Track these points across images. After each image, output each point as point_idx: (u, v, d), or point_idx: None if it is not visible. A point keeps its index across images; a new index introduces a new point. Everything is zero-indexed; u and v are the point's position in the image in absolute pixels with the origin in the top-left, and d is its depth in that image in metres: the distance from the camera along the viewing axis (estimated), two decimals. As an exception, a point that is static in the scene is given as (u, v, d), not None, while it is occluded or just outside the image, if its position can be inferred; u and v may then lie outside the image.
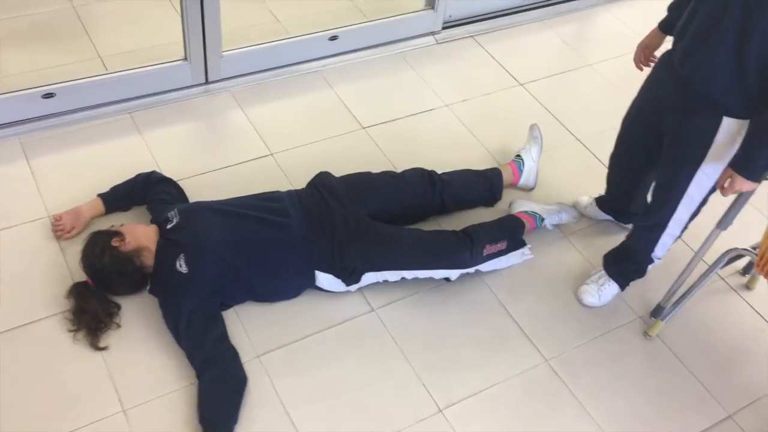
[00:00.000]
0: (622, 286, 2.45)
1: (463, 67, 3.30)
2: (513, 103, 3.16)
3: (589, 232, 2.68)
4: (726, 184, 1.94)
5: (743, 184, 1.91)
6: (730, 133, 1.92)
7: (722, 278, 2.60)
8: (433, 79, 3.21)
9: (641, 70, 2.27)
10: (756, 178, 1.90)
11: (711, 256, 2.31)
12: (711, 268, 2.31)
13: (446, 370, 2.22)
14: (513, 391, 2.19)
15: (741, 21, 1.74)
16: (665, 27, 2.16)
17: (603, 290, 2.43)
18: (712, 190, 2.07)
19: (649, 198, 2.44)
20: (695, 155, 2.00)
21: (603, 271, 2.46)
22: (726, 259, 2.31)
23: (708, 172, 2.02)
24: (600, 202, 2.64)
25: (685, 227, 2.23)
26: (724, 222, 2.15)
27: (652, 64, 2.19)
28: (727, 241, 2.27)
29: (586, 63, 3.38)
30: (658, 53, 2.16)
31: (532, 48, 3.47)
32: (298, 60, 3.14)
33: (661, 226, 2.23)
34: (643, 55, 2.24)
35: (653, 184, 2.28)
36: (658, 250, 2.31)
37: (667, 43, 2.14)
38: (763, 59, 1.76)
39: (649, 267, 2.40)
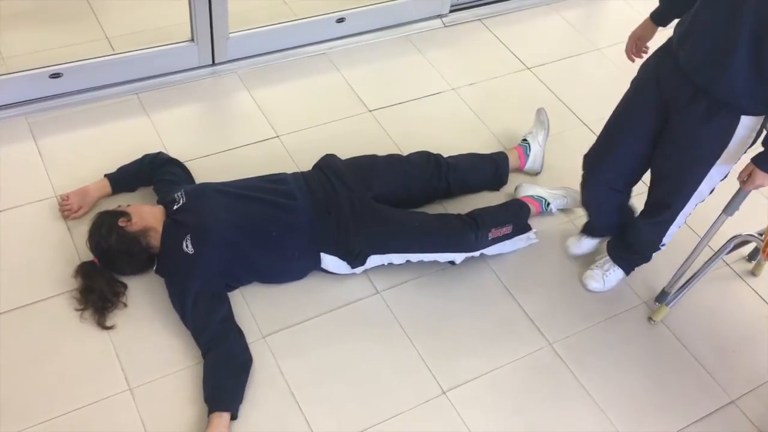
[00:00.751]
0: (627, 271, 2.45)
1: (470, 50, 3.29)
2: (520, 87, 3.15)
3: (595, 217, 2.67)
4: (746, 178, 1.95)
5: (765, 179, 1.92)
6: (747, 129, 1.91)
7: (728, 264, 2.59)
8: (440, 62, 3.20)
9: (633, 61, 2.21)
10: None
11: (716, 241, 2.31)
12: (716, 254, 2.31)
13: (450, 352, 2.23)
14: (516, 375, 2.20)
15: (755, 28, 1.70)
16: (657, 18, 2.09)
17: (608, 275, 2.43)
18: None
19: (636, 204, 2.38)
20: (710, 156, 1.98)
21: (607, 257, 2.45)
22: (732, 245, 2.31)
23: (721, 170, 2.02)
24: (589, 228, 2.51)
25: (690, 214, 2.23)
26: (730, 208, 2.15)
27: (645, 56, 2.13)
28: (732, 227, 2.26)
29: (594, 47, 3.36)
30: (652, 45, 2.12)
31: (540, 32, 3.45)
32: (304, 42, 3.13)
33: (669, 221, 2.22)
34: (635, 47, 2.18)
35: (654, 191, 2.21)
36: (665, 239, 2.31)
37: (660, 34, 2.11)
38: None
39: (655, 253, 2.40)
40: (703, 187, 2.07)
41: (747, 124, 1.90)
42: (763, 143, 1.89)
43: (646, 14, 2.13)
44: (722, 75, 1.82)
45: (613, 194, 2.29)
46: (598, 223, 2.46)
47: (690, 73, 1.90)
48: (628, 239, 2.39)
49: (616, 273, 2.44)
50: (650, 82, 2.04)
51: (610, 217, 2.39)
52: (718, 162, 1.99)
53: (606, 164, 2.24)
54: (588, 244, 2.52)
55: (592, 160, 2.29)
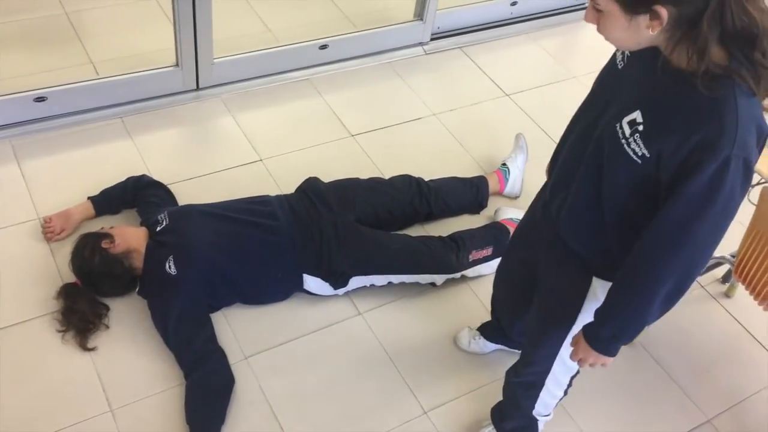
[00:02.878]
0: None
1: (451, 77, 3.36)
2: (499, 113, 3.21)
3: (573, 239, 2.72)
4: (580, 358, 1.56)
5: (599, 357, 1.52)
6: (600, 298, 1.54)
7: (702, 286, 2.65)
8: (422, 88, 3.26)
9: None
10: (608, 351, 1.51)
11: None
12: (691, 276, 2.36)
13: (431, 373, 2.26)
14: (498, 394, 2.22)
15: (596, 162, 1.42)
16: None
17: None
18: None
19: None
20: (565, 318, 1.63)
21: (492, 427, 2.08)
22: (705, 266, 2.36)
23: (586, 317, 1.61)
24: (486, 330, 2.26)
25: (570, 385, 1.88)
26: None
27: None
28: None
29: (571, 75, 3.44)
30: None
31: (519, 60, 3.53)
32: (288, 68, 3.18)
33: (537, 386, 1.84)
34: None
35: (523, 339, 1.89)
36: (540, 408, 1.92)
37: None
38: (617, 210, 1.43)
39: (540, 424, 2.00)
40: (565, 353, 1.68)
41: (599, 292, 1.55)
42: (595, 315, 1.51)
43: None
44: (567, 209, 1.53)
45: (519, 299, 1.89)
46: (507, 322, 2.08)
47: (548, 200, 1.62)
48: (502, 403, 2.04)
49: None
50: (532, 213, 1.77)
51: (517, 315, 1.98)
52: (576, 328, 1.61)
53: (504, 275, 1.98)
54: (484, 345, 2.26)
55: (499, 266, 2.01)
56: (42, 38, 3.15)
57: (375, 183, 2.58)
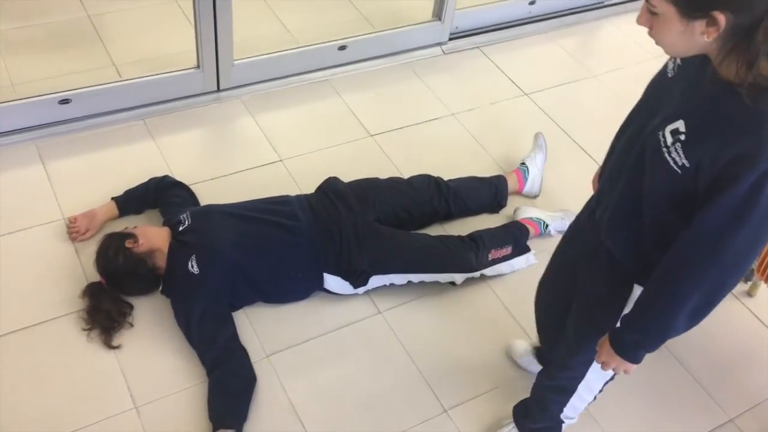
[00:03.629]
0: None
1: (470, 77, 3.36)
2: (518, 113, 3.21)
3: (593, 238, 2.72)
4: (603, 361, 1.55)
5: (621, 363, 1.51)
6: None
7: (724, 285, 2.63)
8: (440, 88, 3.27)
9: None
10: (630, 357, 1.50)
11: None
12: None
13: (451, 371, 2.26)
14: (517, 392, 2.22)
15: (638, 171, 1.42)
16: None
17: None
18: None
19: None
20: (604, 325, 1.58)
21: (513, 424, 2.08)
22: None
23: None
24: (539, 354, 2.20)
25: (602, 390, 1.86)
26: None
27: None
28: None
29: (591, 74, 3.43)
30: None
31: (538, 59, 3.53)
32: (307, 69, 3.20)
33: (569, 391, 1.84)
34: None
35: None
36: (568, 411, 1.91)
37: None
38: (657, 220, 1.42)
39: (564, 426, 2.00)
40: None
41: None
42: (621, 320, 1.51)
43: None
44: (610, 215, 1.53)
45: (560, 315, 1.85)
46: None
47: (595, 208, 1.62)
48: (529, 400, 2.03)
49: None
50: (578, 223, 1.75)
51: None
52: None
53: (546, 288, 1.95)
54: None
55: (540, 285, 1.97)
56: (65, 41, 3.20)
57: (394, 183, 2.59)
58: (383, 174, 2.64)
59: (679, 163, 1.30)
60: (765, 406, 2.30)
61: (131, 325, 2.25)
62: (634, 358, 1.50)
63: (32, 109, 2.74)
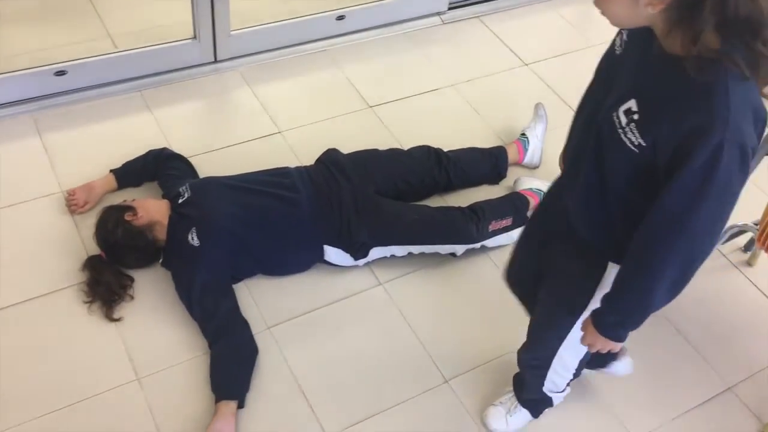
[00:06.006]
0: (534, 414, 2.08)
1: (469, 47, 3.33)
2: (518, 83, 3.19)
3: (593, 209, 2.71)
4: (588, 343, 1.56)
5: (606, 343, 1.52)
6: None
7: (723, 255, 2.64)
8: (439, 59, 3.24)
9: None
10: (614, 337, 1.51)
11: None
12: (712, 244, 2.35)
13: (452, 342, 2.27)
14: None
15: (598, 153, 1.41)
16: None
17: (512, 416, 2.07)
18: None
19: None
20: (576, 304, 1.61)
21: (513, 394, 2.09)
22: (727, 235, 2.35)
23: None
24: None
25: (581, 367, 1.87)
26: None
27: None
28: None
29: (591, 44, 3.40)
30: None
31: (537, 28, 3.49)
32: (305, 39, 3.17)
33: (545, 366, 1.84)
34: None
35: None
36: (550, 385, 1.91)
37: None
38: (622, 199, 1.42)
39: (555, 398, 1.99)
40: (574, 335, 1.66)
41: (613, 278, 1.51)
42: (602, 301, 1.50)
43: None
44: (574, 195, 1.52)
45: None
46: None
47: (560, 192, 1.64)
48: (518, 375, 2.05)
49: (521, 415, 2.07)
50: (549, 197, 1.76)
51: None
52: (585, 315, 1.58)
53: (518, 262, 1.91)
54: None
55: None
56: (60, 12, 3.15)
57: (394, 154, 2.57)
58: (382, 145, 2.63)
59: (636, 143, 1.30)
60: (764, 374, 2.32)
61: (132, 297, 2.25)
62: (618, 337, 1.51)
63: (28, 81, 2.71)
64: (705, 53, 1.17)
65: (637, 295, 1.43)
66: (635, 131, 1.29)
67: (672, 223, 1.29)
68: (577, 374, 1.91)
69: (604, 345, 1.53)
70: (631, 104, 1.30)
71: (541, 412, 2.08)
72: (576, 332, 1.64)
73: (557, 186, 1.69)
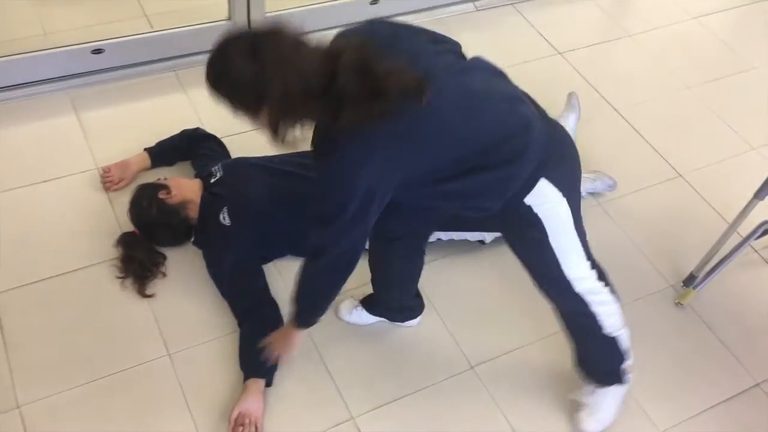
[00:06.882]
0: (620, 378, 2.00)
1: (502, 34, 3.31)
2: (551, 72, 3.16)
3: (625, 201, 2.70)
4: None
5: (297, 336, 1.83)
6: (543, 196, 1.63)
7: (756, 251, 2.61)
8: (472, 46, 3.15)
9: None
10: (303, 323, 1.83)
11: (745, 228, 2.32)
12: (745, 240, 2.33)
13: (478, 329, 2.28)
14: (544, 351, 2.25)
15: None
16: None
17: (599, 409, 2.04)
18: (576, 221, 1.76)
19: None
20: (545, 252, 1.71)
21: (587, 385, 2.05)
22: (760, 231, 2.33)
23: (560, 240, 1.70)
24: (368, 303, 2.23)
25: (609, 285, 1.85)
26: (762, 192, 2.16)
27: None
28: (761, 213, 2.28)
29: (627, 34, 3.36)
30: None
31: (572, 17, 3.46)
32: (338, 24, 3.12)
33: (565, 292, 1.78)
34: None
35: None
36: (605, 323, 1.85)
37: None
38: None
39: (621, 340, 1.92)
40: (571, 275, 1.74)
41: (543, 191, 1.62)
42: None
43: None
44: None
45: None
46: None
47: None
48: (575, 348, 1.99)
49: (606, 400, 2.03)
50: None
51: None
52: (559, 253, 1.69)
53: None
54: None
55: None
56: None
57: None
58: (414, 131, 2.62)
59: None
60: (792, 372, 2.30)
61: (164, 275, 2.28)
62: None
63: (65, 58, 2.74)
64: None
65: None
66: None
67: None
68: (615, 296, 1.85)
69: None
70: None
71: (623, 373, 1.97)
72: (571, 269, 1.73)
73: None
